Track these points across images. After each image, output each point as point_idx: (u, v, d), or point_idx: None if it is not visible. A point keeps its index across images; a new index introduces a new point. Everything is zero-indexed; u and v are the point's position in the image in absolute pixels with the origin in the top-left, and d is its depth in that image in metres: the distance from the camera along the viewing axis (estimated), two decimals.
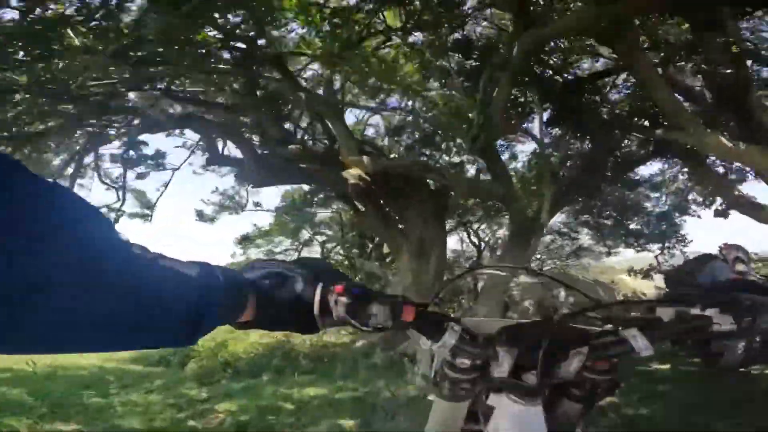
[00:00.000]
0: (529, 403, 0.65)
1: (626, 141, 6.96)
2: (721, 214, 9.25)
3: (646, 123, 5.80)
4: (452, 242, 13.70)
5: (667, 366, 5.54)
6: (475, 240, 13.22)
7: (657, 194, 11.09)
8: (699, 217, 11.06)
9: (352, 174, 4.49)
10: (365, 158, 5.08)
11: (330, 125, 5.98)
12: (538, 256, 16.91)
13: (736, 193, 6.95)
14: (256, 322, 0.59)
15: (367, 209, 5.56)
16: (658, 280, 13.02)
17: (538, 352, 0.63)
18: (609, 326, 0.69)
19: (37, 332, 0.35)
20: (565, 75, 5.96)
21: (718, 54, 5.13)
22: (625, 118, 5.78)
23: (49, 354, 0.52)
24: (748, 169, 7.20)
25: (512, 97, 6.56)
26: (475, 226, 12.73)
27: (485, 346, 0.65)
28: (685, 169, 9.05)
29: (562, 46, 5.94)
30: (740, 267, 5.61)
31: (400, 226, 5.69)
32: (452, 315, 0.71)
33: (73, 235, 0.36)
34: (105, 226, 0.40)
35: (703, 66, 5.39)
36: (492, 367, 0.66)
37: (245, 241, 12.50)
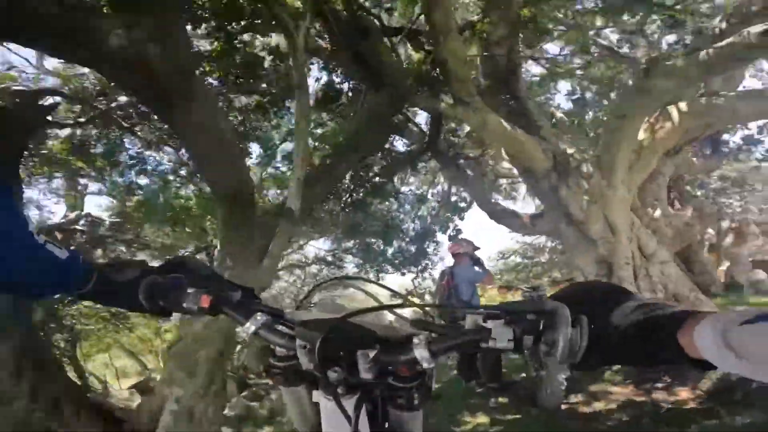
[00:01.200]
0: (332, 400, 0.63)
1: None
2: (454, 237, 9.92)
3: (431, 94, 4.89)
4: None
5: None
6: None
7: (417, 209, 11.08)
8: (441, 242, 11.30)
9: None
10: None
11: None
12: (306, 288, 15.52)
13: (493, 201, 7.04)
14: (94, 293, 0.76)
15: None
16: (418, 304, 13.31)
17: (329, 351, 0.62)
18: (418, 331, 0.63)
19: None
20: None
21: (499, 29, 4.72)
22: (413, 82, 4.74)
23: None
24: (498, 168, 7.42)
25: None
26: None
27: (285, 337, 0.67)
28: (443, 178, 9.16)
29: None
30: (473, 249, 4.90)
31: None
32: (272, 307, 0.73)
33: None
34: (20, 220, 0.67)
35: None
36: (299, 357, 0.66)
37: None
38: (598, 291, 0.58)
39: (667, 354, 0.49)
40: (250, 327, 0.68)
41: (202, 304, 0.72)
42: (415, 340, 0.59)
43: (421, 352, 0.58)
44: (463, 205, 10.10)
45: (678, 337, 0.46)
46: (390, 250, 11.65)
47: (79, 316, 9.85)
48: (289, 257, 13.85)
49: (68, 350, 8.78)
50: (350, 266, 14.00)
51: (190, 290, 0.73)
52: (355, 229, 10.40)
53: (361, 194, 8.33)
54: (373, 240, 11.15)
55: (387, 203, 10.53)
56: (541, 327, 0.54)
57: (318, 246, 19.33)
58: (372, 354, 0.62)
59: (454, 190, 11.00)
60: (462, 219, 10.15)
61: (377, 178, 8.18)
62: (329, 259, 13.75)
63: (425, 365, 0.59)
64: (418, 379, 0.64)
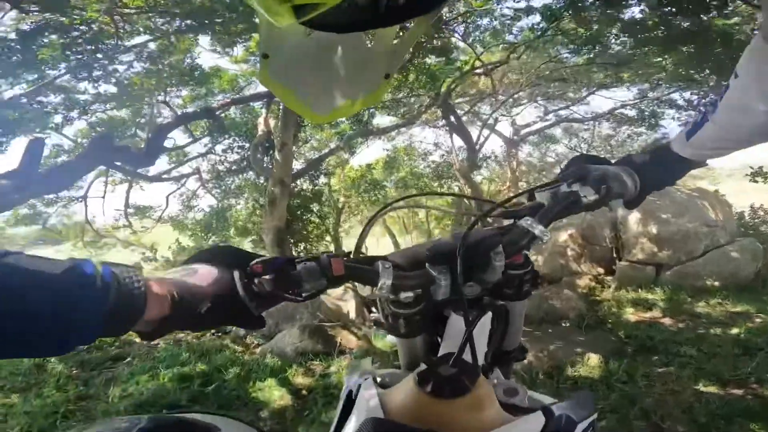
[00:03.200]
0: (477, 313, 0.68)
1: None
2: None
3: None
4: None
5: None
6: None
7: None
8: None
9: None
10: None
11: None
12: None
13: None
14: (168, 323, 0.53)
15: None
16: None
17: (467, 263, 0.63)
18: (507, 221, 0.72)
19: None
20: None
21: None
22: None
23: None
24: None
25: None
26: None
27: (420, 275, 0.66)
28: None
29: None
30: None
31: None
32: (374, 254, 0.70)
33: None
34: None
35: None
36: (433, 290, 0.66)
37: None
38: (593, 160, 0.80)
39: (677, 166, 0.79)
40: (386, 281, 0.62)
41: (336, 272, 0.60)
42: (525, 222, 0.66)
43: (537, 229, 0.65)
44: None
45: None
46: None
47: (341, 190, 10.01)
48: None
49: (327, 226, 8.91)
50: (669, 122, 8.80)
51: (306, 266, 0.59)
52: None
53: None
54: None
55: None
56: (607, 180, 0.71)
57: (614, 96, 13.61)
58: (500, 250, 0.64)
59: None
60: None
61: None
62: (626, 113, 8.91)
63: (545, 237, 0.65)
64: (530, 264, 0.72)
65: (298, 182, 8.06)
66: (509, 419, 0.58)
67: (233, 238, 8.36)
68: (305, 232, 8.34)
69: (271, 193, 6.68)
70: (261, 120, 6.93)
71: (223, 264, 0.58)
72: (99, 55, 3.83)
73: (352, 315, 5.32)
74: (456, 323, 0.70)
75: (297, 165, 8.19)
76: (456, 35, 5.84)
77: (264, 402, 3.65)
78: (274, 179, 6.63)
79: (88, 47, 3.65)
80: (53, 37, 3.45)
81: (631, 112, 9.20)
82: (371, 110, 7.77)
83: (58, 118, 4.76)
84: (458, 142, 9.06)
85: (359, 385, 0.68)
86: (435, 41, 5.54)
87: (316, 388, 3.86)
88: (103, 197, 7.39)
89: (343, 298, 5.30)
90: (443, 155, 10.71)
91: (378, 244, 11.17)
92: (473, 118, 9.99)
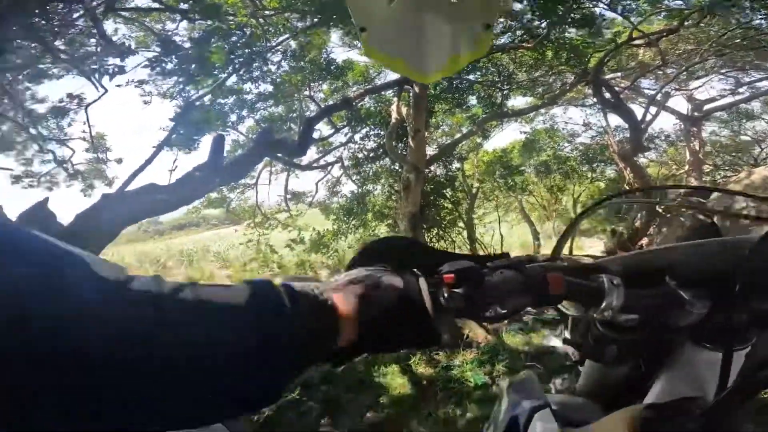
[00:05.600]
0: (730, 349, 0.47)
1: None
2: None
3: None
4: None
5: None
6: None
7: None
8: None
9: None
10: None
11: None
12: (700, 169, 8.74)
13: None
14: (358, 347, 0.43)
15: None
16: None
17: (738, 282, 0.46)
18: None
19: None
20: None
21: None
22: None
23: None
24: None
25: None
26: None
27: (661, 295, 0.49)
28: None
29: None
30: None
31: None
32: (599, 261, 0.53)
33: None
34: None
35: None
36: (675, 314, 0.49)
37: None
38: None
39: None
40: (614, 303, 0.46)
41: (554, 292, 0.46)
42: None
43: None
44: None
45: None
46: None
47: (474, 176, 9.70)
48: None
49: (459, 212, 8.75)
50: None
51: (510, 281, 0.45)
52: None
53: None
54: None
55: None
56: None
57: None
58: None
59: None
60: None
61: None
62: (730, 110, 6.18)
63: None
64: None
65: (432, 168, 8.14)
66: None
67: (371, 222, 8.92)
68: (438, 218, 8.41)
69: (406, 180, 6.91)
70: (393, 108, 7.22)
71: (403, 268, 0.46)
72: (254, 57, 4.58)
73: None
74: (691, 356, 0.54)
75: (430, 150, 8.28)
76: (602, 4, 5.06)
77: (385, 387, 3.77)
78: (409, 166, 6.85)
79: (247, 50, 4.41)
80: (219, 43, 4.27)
81: None
82: (505, 92, 7.33)
83: (233, 117, 5.90)
84: (614, 121, 7.89)
85: (530, 415, 0.56)
86: (574, 14, 4.92)
87: (438, 379, 3.83)
88: (269, 184, 8.83)
89: None
90: (594, 137, 9.47)
91: (510, 234, 10.51)
92: (633, 94, 8.54)
